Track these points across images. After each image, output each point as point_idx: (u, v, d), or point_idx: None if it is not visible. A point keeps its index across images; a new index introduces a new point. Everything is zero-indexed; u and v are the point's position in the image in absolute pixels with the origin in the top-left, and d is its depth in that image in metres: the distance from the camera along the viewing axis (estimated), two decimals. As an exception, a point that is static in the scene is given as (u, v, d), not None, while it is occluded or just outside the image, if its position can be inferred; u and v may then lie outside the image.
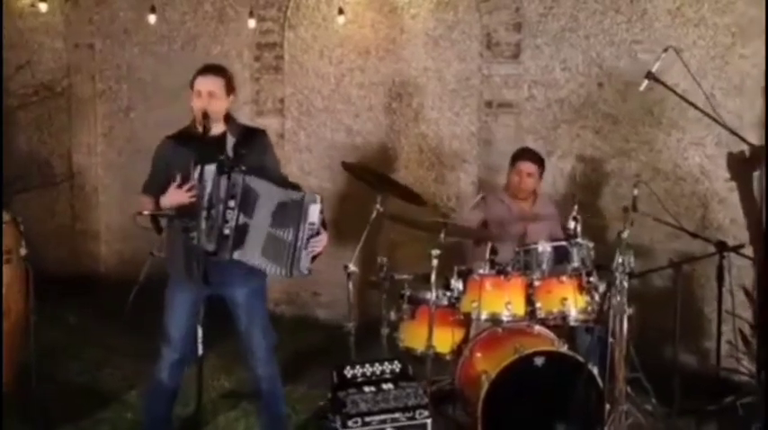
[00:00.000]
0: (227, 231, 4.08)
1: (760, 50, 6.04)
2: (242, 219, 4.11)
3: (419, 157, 7.28)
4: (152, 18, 7.68)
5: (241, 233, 4.11)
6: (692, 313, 6.09)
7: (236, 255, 4.13)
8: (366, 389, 4.33)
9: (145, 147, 8.28)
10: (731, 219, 6.21)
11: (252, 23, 7.46)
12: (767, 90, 5.83)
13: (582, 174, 6.70)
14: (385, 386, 4.36)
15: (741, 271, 5.83)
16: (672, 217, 5.34)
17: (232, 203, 4.07)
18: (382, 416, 4.21)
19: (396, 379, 4.43)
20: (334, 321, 7.40)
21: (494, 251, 5.07)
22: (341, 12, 7.19)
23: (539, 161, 5.84)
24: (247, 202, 4.12)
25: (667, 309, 5.40)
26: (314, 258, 4.24)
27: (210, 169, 4.13)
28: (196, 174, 4.12)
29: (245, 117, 7.33)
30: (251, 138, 4.47)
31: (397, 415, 4.23)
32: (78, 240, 8.74)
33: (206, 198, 4.10)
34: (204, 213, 4.09)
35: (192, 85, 4.41)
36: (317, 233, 4.20)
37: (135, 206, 4.44)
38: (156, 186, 4.35)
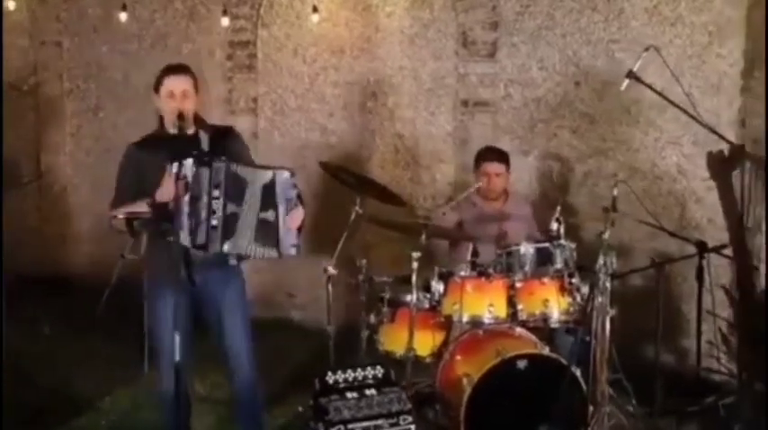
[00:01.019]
0: (215, 222, 3.96)
1: (737, 49, 6.07)
2: (230, 208, 4.00)
3: (395, 157, 7.22)
4: (123, 16, 7.54)
5: (230, 223, 4.01)
6: (670, 312, 6.07)
7: (226, 247, 4.02)
8: (349, 395, 4.25)
9: (114, 147, 8.14)
10: (708, 219, 6.23)
11: (225, 22, 7.34)
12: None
13: (559, 174, 6.68)
14: (368, 392, 4.29)
15: (718, 270, 5.81)
16: (652, 217, 5.31)
17: (217, 193, 3.96)
18: (366, 423, 4.16)
19: (378, 384, 4.36)
20: (309, 323, 7.37)
21: (475, 253, 5.02)
22: (315, 10, 7.10)
23: (504, 159, 5.78)
24: (234, 190, 4.01)
25: (645, 308, 5.40)
26: (299, 232, 4.21)
27: (188, 163, 3.98)
28: (173, 170, 3.98)
29: (217, 116, 7.25)
30: (224, 134, 4.41)
31: (380, 421, 4.17)
32: (46, 242, 8.59)
33: (187, 194, 3.98)
34: (187, 209, 3.96)
35: (158, 87, 4.29)
36: (294, 206, 4.18)
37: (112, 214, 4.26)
38: (129, 197, 4.19)
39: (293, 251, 4.17)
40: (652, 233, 5.68)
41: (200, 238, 3.96)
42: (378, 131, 7.26)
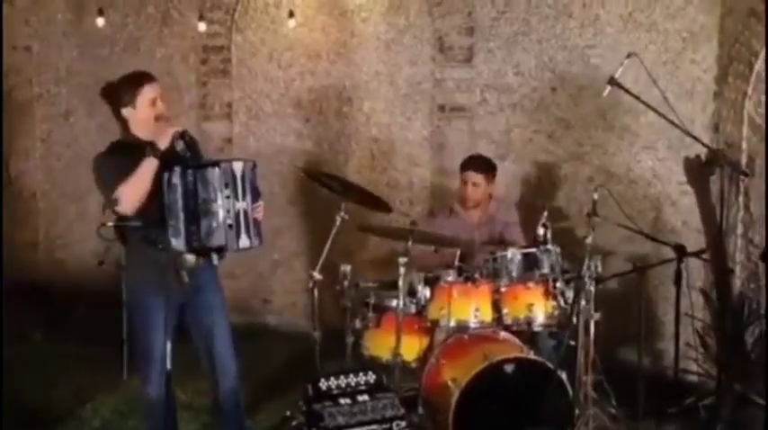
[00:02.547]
0: (230, 221, 3.99)
1: (710, 55, 6.16)
2: (237, 205, 4.04)
3: (371, 162, 7.24)
4: (100, 21, 7.46)
5: (240, 219, 4.05)
6: (647, 315, 6.14)
7: (241, 244, 4.05)
8: (342, 401, 4.27)
9: (85, 153, 8.13)
10: (683, 222, 6.31)
11: (202, 27, 7.29)
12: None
13: (535, 178, 6.73)
14: (360, 398, 4.31)
15: (693, 273, 5.90)
16: (632, 221, 5.37)
17: (228, 192, 3.99)
18: (360, 429, 4.17)
19: (371, 390, 4.38)
20: (285, 328, 7.38)
21: (462, 258, 5.06)
22: (291, 15, 7.09)
23: (485, 169, 5.78)
24: (237, 187, 4.05)
25: (621, 311, 5.45)
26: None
27: (177, 170, 4.01)
28: (173, 178, 3.99)
29: (191, 122, 7.23)
30: (186, 137, 4.33)
31: (374, 427, 4.19)
32: (17, 248, 8.45)
33: (180, 201, 3.98)
34: (182, 215, 3.97)
35: (133, 97, 4.25)
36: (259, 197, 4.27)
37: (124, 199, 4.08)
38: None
39: (257, 242, 4.18)
40: (629, 237, 5.75)
41: (218, 240, 3.96)
42: (354, 136, 7.27)
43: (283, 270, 7.57)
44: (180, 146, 4.12)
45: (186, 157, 4.11)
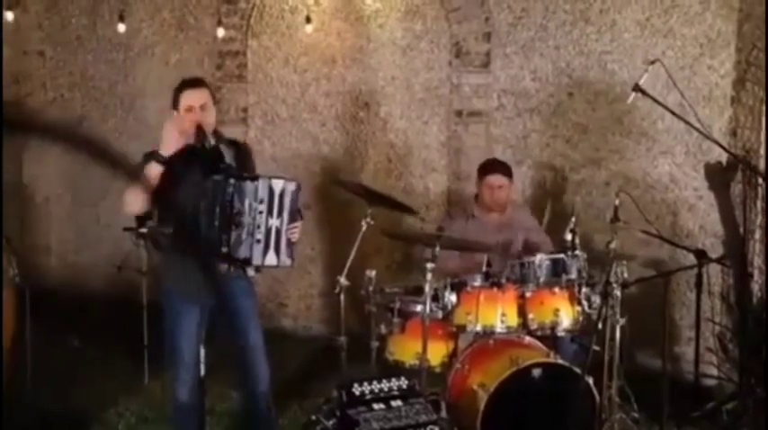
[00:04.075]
0: (258, 236, 4.02)
1: (728, 61, 6.20)
2: (271, 222, 4.07)
3: (387, 167, 7.25)
4: (121, 27, 7.46)
5: (271, 237, 4.09)
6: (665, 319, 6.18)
7: (267, 260, 4.09)
8: (375, 406, 4.27)
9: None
10: (700, 226, 6.34)
11: (221, 32, 7.31)
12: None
13: (552, 183, 6.76)
14: (394, 403, 4.31)
15: (711, 277, 5.93)
16: (653, 227, 5.40)
17: (262, 208, 4.02)
18: (396, 435, 4.20)
19: (404, 395, 4.38)
20: (301, 332, 7.40)
21: (488, 263, 5.08)
22: (308, 20, 7.11)
23: (507, 172, 5.77)
24: (273, 204, 4.09)
25: (639, 315, 5.45)
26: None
27: (218, 179, 4.05)
28: (212, 185, 4.03)
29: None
30: (240, 148, 4.46)
31: (409, 431, 4.21)
32: (28, 253, 8.46)
33: (215, 208, 4.01)
34: (215, 223, 4.00)
35: (176, 104, 4.31)
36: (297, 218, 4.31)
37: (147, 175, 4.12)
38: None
39: (289, 262, 4.24)
40: (645, 241, 5.79)
41: (244, 252, 3.99)
42: (370, 141, 7.29)
43: (299, 274, 7.58)
44: (209, 143, 4.14)
45: (232, 165, 4.15)
